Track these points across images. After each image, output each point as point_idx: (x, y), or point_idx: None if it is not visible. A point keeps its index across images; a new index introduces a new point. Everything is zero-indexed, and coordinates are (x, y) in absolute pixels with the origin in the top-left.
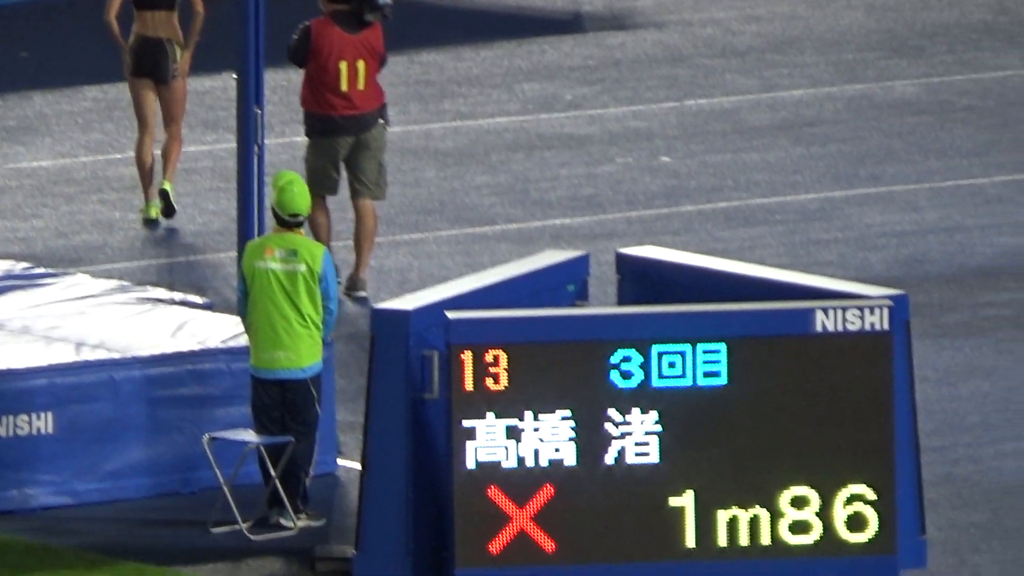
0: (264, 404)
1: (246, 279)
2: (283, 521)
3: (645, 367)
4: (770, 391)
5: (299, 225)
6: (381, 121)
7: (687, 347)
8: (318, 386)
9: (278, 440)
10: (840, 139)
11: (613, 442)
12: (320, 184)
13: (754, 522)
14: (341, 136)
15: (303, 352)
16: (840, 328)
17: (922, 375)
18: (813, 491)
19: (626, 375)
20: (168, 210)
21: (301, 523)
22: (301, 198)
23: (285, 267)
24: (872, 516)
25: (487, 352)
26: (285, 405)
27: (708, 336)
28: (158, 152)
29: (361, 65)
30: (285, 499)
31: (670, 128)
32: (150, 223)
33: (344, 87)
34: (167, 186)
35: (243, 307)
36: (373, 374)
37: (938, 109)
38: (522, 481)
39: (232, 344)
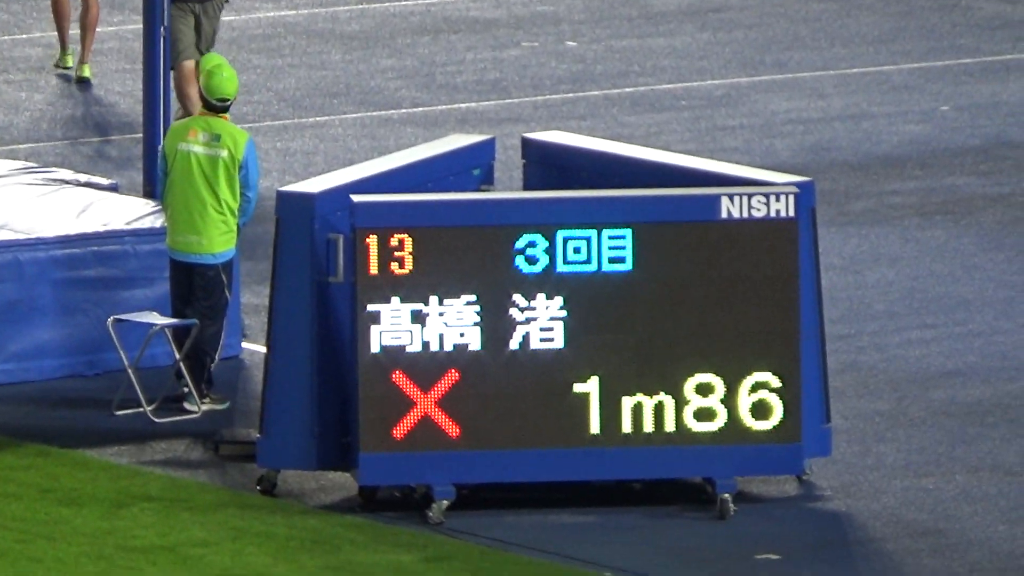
0: (177, 285)
1: (167, 159)
2: (187, 405)
3: (550, 252)
4: (675, 277)
5: (226, 110)
6: None
7: (592, 232)
8: (229, 272)
9: (182, 323)
10: (746, 25)
11: (518, 327)
12: (179, 53)
13: (659, 409)
14: (187, 1)
15: (216, 238)
16: (746, 215)
17: (828, 263)
18: (718, 378)
19: (531, 260)
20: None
21: (205, 406)
22: (229, 82)
23: (207, 151)
24: (777, 404)
25: (392, 236)
26: (194, 289)
27: (613, 222)
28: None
29: None
30: (190, 383)
31: (576, 12)
32: (64, 71)
33: None
34: (87, 72)
35: (163, 187)
36: (278, 257)
37: None
38: (427, 366)
39: (137, 226)
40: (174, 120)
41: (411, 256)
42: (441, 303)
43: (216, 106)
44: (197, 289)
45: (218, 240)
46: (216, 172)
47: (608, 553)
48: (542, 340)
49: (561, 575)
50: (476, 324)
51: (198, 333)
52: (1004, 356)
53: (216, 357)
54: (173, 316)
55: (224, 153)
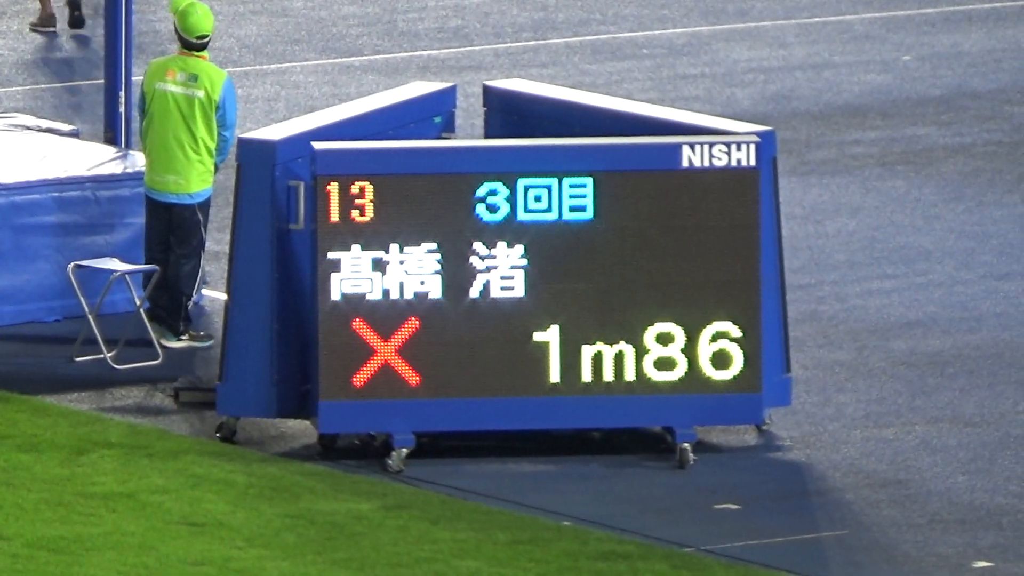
0: (153, 226)
1: (145, 99)
2: (165, 341)
3: (511, 200)
4: (636, 226)
5: (203, 48)
6: None
7: (553, 181)
8: (206, 212)
9: (142, 269)
10: None
11: (478, 275)
12: None
13: (619, 358)
14: None
15: (193, 178)
16: (707, 164)
17: (789, 212)
18: (678, 327)
19: (492, 208)
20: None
21: (184, 343)
22: (205, 19)
23: (184, 91)
24: (737, 353)
25: (353, 184)
26: (172, 228)
27: (574, 170)
28: None
29: None
30: (166, 320)
31: None
32: None
33: None
34: None
35: (141, 126)
36: (239, 204)
37: None
38: (387, 314)
39: (98, 172)
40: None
41: (372, 204)
42: (402, 251)
43: (194, 44)
44: (175, 229)
45: (195, 180)
46: (193, 112)
47: (567, 502)
48: (503, 289)
49: (520, 524)
50: (437, 272)
51: (174, 272)
52: (964, 307)
53: (194, 295)
54: (146, 259)
55: (201, 93)
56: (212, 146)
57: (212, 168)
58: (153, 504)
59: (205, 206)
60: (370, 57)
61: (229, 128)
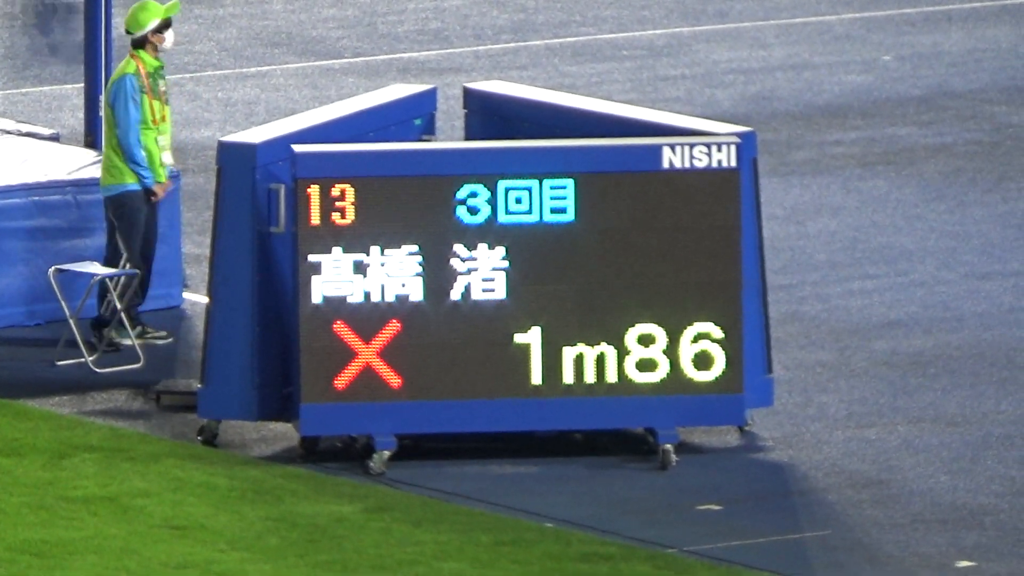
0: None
1: None
2: (120, 339)
3: (492, 203)
4: (617, 228)
5: (140, 45)
6: None
7: (534, 183)
8: (120, 210)
9: (121, 272)
10: None
11: (459, 278)
12: None
13: (600, 359)
14: None
15: (104, 172)
16: (687, 165)
17: (770, 213)
18: (660, 329)
19: (473, 211)
20: None
21: (138, 340)
22: (130, 15)
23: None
24: (719, 354)
25: (334, 186)
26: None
27: (555, 172)
28: None
29: None
30: (123, 320)
31: None
32: None
33: None
34: None
35: None
36: (219, 207)
37: None
38: (368, 316)
39: (78, 176)
40: None
41: (353, 206)
42: (383, 253)
43: (132, 39)
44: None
45: (104, 174)
46: (107, 109)
47: (549, 504)
48: (484, 291)
49: (503, 525)
50: (418, 275)
51: (136, 280)
52: (945, 307)
53: (128, 292)
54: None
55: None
56: (115, 144)
57: (119, 166)
58: (135, 507)
59: (117, 203)
60: (350, 60)
61: (116, 127)
